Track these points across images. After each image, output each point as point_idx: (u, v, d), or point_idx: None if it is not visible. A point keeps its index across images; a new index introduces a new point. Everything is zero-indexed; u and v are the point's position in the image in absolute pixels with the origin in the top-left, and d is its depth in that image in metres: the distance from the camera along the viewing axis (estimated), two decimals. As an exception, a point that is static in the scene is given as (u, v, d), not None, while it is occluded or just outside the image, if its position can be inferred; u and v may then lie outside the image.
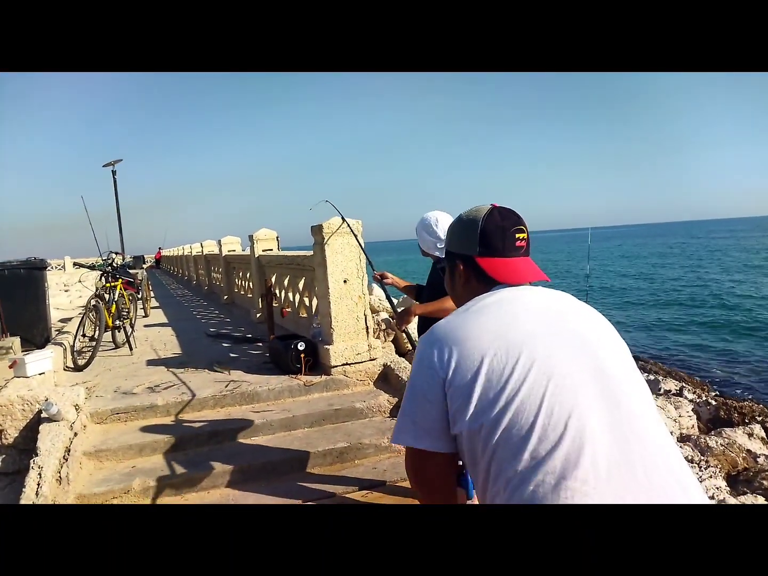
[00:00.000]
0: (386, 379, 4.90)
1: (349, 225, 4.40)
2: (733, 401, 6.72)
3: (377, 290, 14.63)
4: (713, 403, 6.46)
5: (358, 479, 3.69)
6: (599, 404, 0.99)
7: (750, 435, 5.69)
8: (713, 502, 4.07)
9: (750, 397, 8.08)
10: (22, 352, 5.75)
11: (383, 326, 7.90)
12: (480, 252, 1.26)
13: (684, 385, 7.38)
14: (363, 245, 4.54)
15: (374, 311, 10.78)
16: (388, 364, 4.93)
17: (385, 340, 7.67)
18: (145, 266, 36.21)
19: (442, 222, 2.94)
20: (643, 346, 13.54)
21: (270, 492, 3.57)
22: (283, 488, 3.62)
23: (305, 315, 6.22)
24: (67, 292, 20.11)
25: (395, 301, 4.67)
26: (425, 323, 3.07)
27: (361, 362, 4.88)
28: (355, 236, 4.25)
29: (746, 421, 6.10)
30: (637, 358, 9.29)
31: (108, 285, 6.98)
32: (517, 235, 1.26)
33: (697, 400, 6.55)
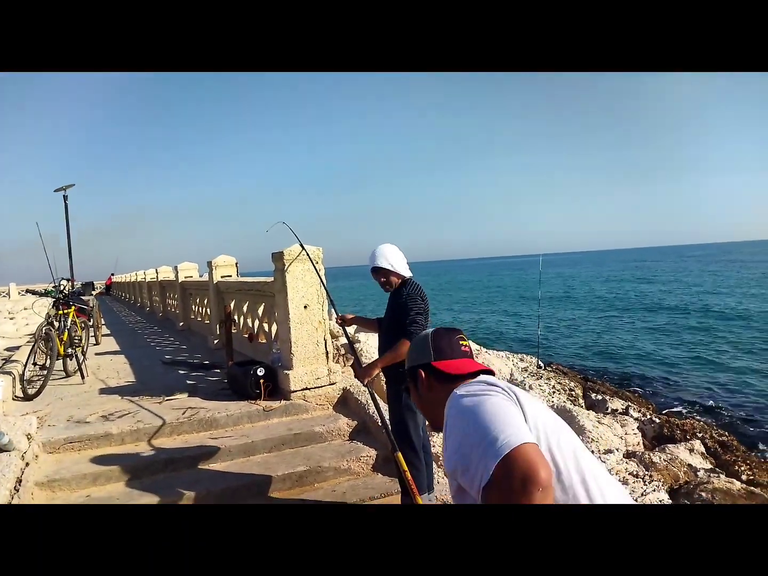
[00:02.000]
0: (346, 403, 4.98)
1: (307, 252, 4.52)
2: (675, 419, 7.08)
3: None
4: (657, 420, 6.80)
5: (318, 502, 3.74)
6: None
7: (691, 450, 6.01)
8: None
9: (691, 414, 8.52)
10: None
11: (343, 351, 7.98)
12: (435, 357, 1.51)
13: (630, 404, 7.73)
14: (322, 272, 4.66)
15: (334, 336, 10.83)
16: (348, 388, 5.02)
17: (345, 365, 7.74)
18: (94, 293, 35.03)
19: (383, 248, 3.41)
20: (596, 369, 14.06)
21: (229, 518, 3.58)
22: (242, 514, 3.63)
23: (264, 340, 6.25)
24: (13, 320, 19.29)
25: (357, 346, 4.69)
26: (391, 369, 3.31)
27: (321, 387, 4.95)
28: (314, 264, 4.36)
29: (687, 437, 6.45)
30: (586, 379, 9.65)
31: (60, 312, 6.82)
32: (461, 342, 1.55)
33: (642, 419, 6.88)
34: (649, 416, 7.05)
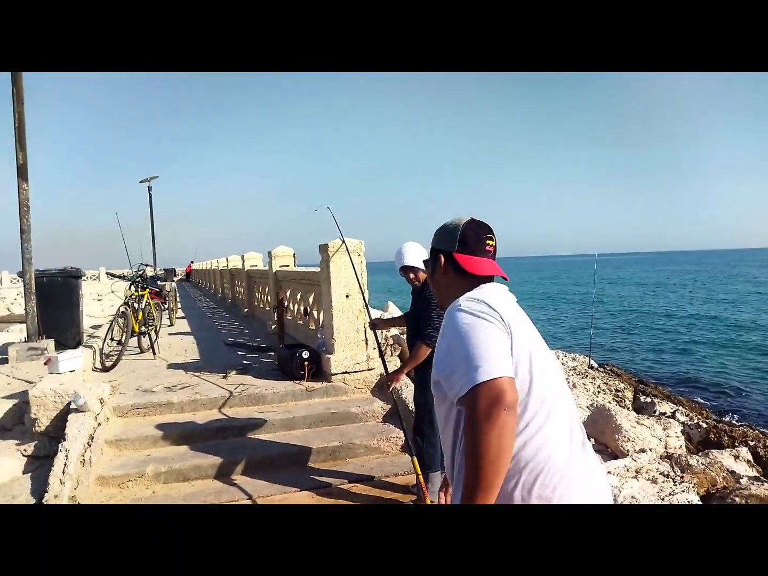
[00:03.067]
0: (382, 388, 5.29)
1: (345, 244, 4.84)
2: (725, 425, 6.87)
3: (392, 307, 15.03)
4: (704, 425, 6.64)
5: (348, 474, 4.08)
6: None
7: (736, 457, 5.87)
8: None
9: (746, 423, 8.18)
10: (56, 352, 6.31)
11: (391, 341, 8.29)
12: (457, 249, 1.56)
13: (679, 408, 7.55)
14: (363, 263, 4.98)
15: (379, 329, 11.19)
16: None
17: (392, 354, 8.05)
18: (176, 279, 37.33)
19: (410, 246, 3.61)
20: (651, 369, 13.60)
21: (268, 481, 3.98)
22: (280, 479, 4.03)
23: (314, 327, 6.67)
24: (100, 301, 21.07)
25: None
26: (417, 371, 3.57)
27: (360, 371, 5.28)
28: (350, 258, 4.67)
29: (735, 444, 6.27)
30: (640, 381, 9.45)
31: (136, 294, 7.56)
32: (487, 241, 1.58)
33: (689, 423, 6.74)
34: (696, 421, 6.89)
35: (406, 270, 3.58)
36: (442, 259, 1.58)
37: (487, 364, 1.24)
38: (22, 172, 6.70)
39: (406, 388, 4.95)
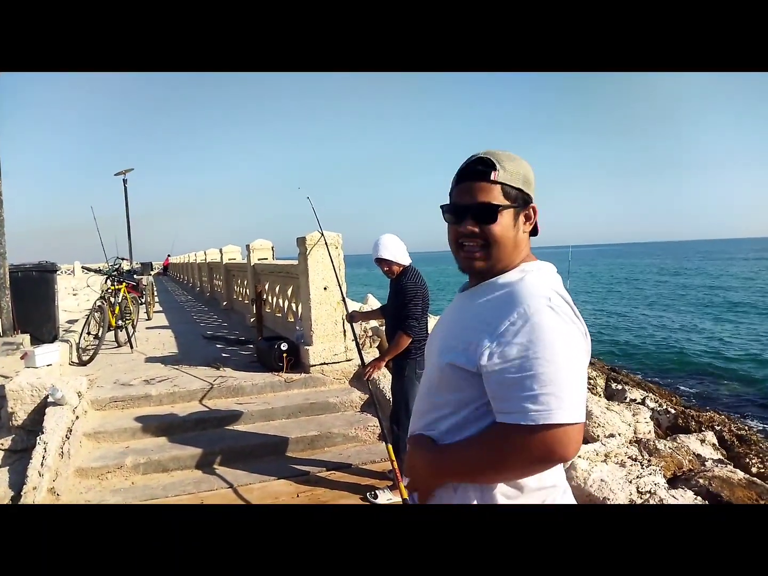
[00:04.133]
0: (360, 378, 5.38)
1: (324, 239, 4.91)
2: (693, 410, 7.13)
3: (371, 299, 15.12)
4: (672, 411, 6.88)
5: (326, 462, 4.16)
6: None
7: (702, 441, 6.10)
8: (646, 497, 4.48)
9: (713, 408, 8.48)
10: (32, 347, 6.26)
11: (370, 333, 8.38)
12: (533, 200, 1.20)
13: (650, 395, 7.79)
14: (341, 256, 5.05)
15: (356, 321, 11.26)
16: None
17: (371, 346, 8.14)
18: (153, 273, 36.88)
19: (384, 239, 3.68)
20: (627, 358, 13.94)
21: (247, 470, 4.05)
22: (258, 468, 4.10)
23: (292, 319, 6.72)
24: (75, 296, 20.72)
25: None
26: (396, 361, 3.70)
27: (338, 362, 5.36)
28: (328, 250, 4.74)
29: (702, 428, 6.52)
30: (612, 369, 9.69)
31: (113, 288, 7.51)
32: None
33: (658, 409, 6.97)
34: (665, 407, 7.13)
35: (381, 262, 3.67)
36: (533, 210, 1.20)
37: (577, 404, 1.02)
38: (-7, 165, 6.59)
39: (383, 378, 5.04)
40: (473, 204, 1.14)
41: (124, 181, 24.23)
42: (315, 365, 5.31)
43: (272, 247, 8.64)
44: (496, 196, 1.13)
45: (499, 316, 1.07)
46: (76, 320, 10.37)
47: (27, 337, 6.93)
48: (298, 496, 3.65)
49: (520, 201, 1.16)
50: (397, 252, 3.65)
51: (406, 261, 3.68)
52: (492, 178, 1.13)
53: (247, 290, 9.65)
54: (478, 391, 1.10)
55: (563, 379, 1.01)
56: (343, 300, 4.34)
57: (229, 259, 11.55)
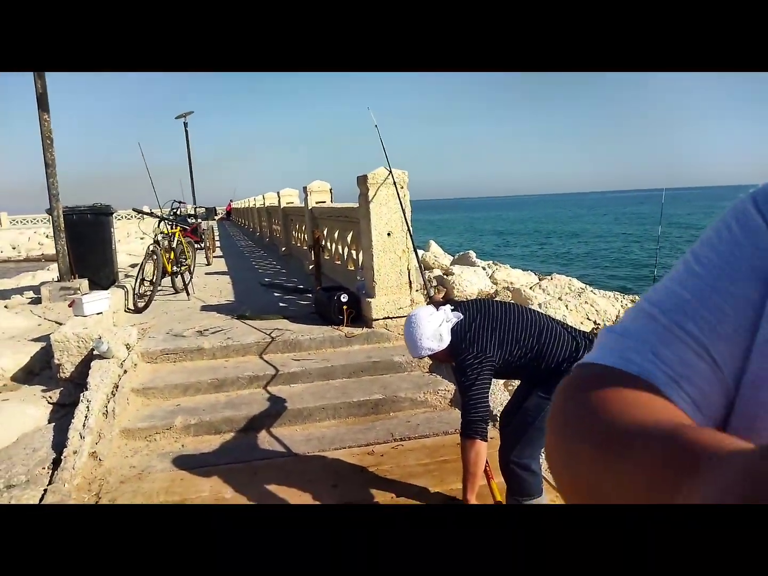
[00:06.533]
0: (428, 335, 4.83)
1: (393, 176, 4.26)
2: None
3: (434, 246, 14.43)
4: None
5: (392, 430, 3.69)
6: None
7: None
8: None
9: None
10: (89, 291, 6.08)
11: (434, 283, 7.79)
12: None
13: None
14: (407, 197, 4.40)
15: (428, 267, 10.66)
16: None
17: (434, 295, 7.57)
18: (216, 218, 37.43)
19: (424, 314, 2.44)
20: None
21: (303, 437, 3.64)
22: (318, 434, 3.69)
23: (353, 268, 6.20)
24: (142, 240, 21.17)
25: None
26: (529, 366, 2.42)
27: (403, 317, 4.80)
28: (397, 189, 4.10)
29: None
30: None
31: (166, 232, 7.22)
32: None
33: None
34: None
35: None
36: None
37: None
38: (41, 102, 6.26)
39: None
40: None
41: (185, 124, 24.16)
42: (378, 319, 4.79)
43: (330, 189, 8.07)
44: None
45: None
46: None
47: (85, 282, 6.78)
48: (362, 471, 3.20)
49: None
50: (432, 342, 2.41)
51: (445, 341, 2.41)
52: None
53: (305, 236, 9.21)
54: None
55: None
56: (414, 249, 3.72)
57: (287, 203, 11.11)
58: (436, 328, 2.39)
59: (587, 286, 9.22)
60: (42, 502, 2.85)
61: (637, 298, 8.98)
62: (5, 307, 6.38)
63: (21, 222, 38.03)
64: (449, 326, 2.40)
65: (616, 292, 9.38)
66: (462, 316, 2.42)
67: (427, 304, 2.98)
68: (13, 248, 34.90)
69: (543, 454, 3.03)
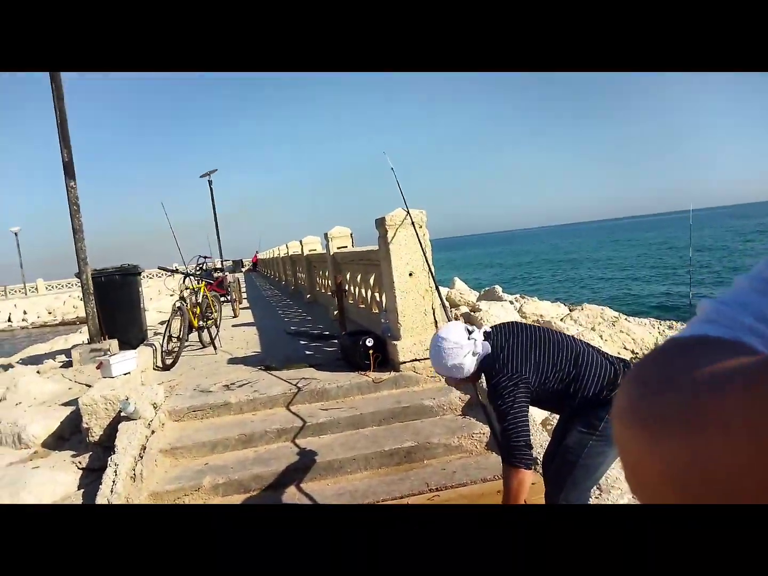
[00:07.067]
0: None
1: (410, 216, 4.22)
2: None
3: (459, 283, 14.31)
4: None
5: (427, 479, 3.52)
6: None
7: None
8: None
9: None
10: (118, 353, 6.12)
11: (462, 320, 7.64)
12: None
13: None
14: (426, 236, 4.35)
15: (454, 305, 10.52)
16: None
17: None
18: (243, 269, 38.08)
19: (450, 342, 2.25)
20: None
21: (335, 492, 3.50)
22: (348, 487, 3.54)
23: (377, 311, 6.13)
24: (172, 296, 21.62)
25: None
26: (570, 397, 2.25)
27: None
28: (415, 230, 4.06)
29: None
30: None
31: (191, 288, 7.29)
32: None
33: None
34: None
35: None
36: None
37: None
38: (68, 170, 6.50)
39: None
40: None
41: (210, 182, 24.89)
42: (405, 362, 4.67)
43: (351, 234, 8.10)
44: None
45: None
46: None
47: (115, 342, 6.84)
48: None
49: None
50: (463, 362, 2.24)
51: (467, 371, 2.26)
52: None
53: (329, 281, 9.22)
54: None
55: None
56: (436, 287, 3.64)
57: (310, 251, 11.21)
58: (461, 360, 2.24)
59: (620, 314, 8.94)
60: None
61: (675, 323, 8.66)
62: (38, 372, 6.45)
63: (56, 287, 39.33)
64: (475, 360, 2.27)
65: (652, 319, 9.08)
66: (490, 350, 2.29)
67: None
68: (49, 313, 35.98)
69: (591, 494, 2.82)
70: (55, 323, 33.66)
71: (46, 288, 39.32)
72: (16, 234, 43.72)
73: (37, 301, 37.50)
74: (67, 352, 7.31)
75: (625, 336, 7.21)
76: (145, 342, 7.05)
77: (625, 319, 8.52)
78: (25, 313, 36.56)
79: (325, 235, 8.12)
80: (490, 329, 2.37)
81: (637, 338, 7.48)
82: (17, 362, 8.01)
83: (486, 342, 2.29)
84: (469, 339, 2.27)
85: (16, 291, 39.36)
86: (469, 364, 2.25)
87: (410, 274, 4.62)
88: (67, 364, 6.79)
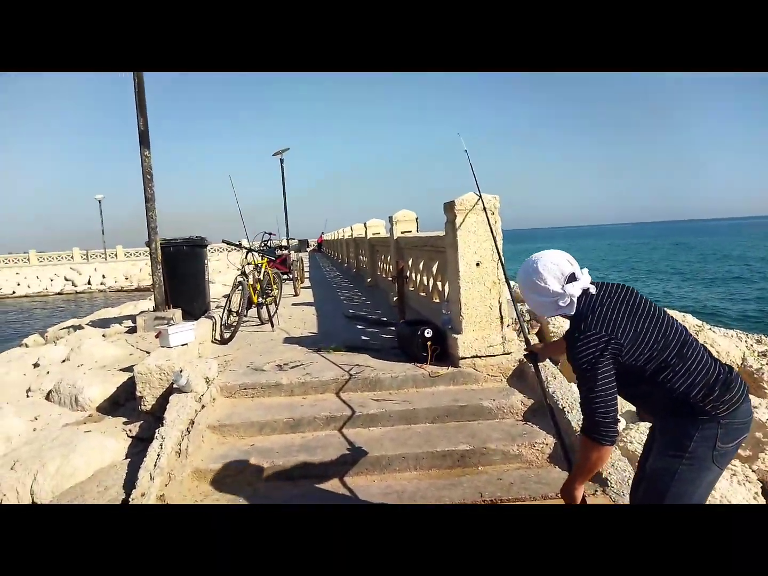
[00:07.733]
0: (522, 377, 4.34)
1: (482, 201, 3.90)
2: None
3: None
4: None
5: (480, 488, 3.25)
6: None
7: None
8: None
9: None
10: (182, 322, 6.17)
11: (527, 317, 7.23)
12: None
13: None
14: (498, 224, 4.02)
15: (520, 300, 10.04)
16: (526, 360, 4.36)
17: (529, 333, 7.00)
18: (309, 249, 38.63)
19: (548, 270, 1.97)
20: None
21: (381, 490, 3.30)
22: (395, 487, 3.33)
23: (437, 300, 5.85)
24: (239, 271, 22.17)
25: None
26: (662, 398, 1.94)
27: (494, 356, 4.37)
28: (487, 217, 3.73)
29: None
30: None
31: (253, 263, 7.28)
32: None
33: None
34: None
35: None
36: None
37: None
38: (143, 139, 6.58)
39: (555, 378, 3.98)
40: None
41: (281, 160, 25.21)
42: (465, 358, 4.38)
43: (416, 219, 7.83)
44: None
45: None
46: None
47: (178, 312, 6.94)
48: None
49: None
50: (552, 288, 1.96)
51: (575, 290, 1.95)
52: None
53: (390, 266, 9.01)
54: None
55: None
56: (506, 280, 3.32)
57: (374, 234, 11.03)
58: (554, 286, 1.93)
59: (704, 323, 8.22)
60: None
61: (764, 337, 7.86)
62: (103, 336, 6.64)
63: (134, 254, 41.42)
64: (567, 297, 1.94)
65: (739, 331, 8.29)
66: (589, 299, 1.96)
67: (530, 359, 2.55)
68: (126, 278, 37.96)
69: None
70: (131, 288, 35.54)
71: (125, 255, 41.52)
72: (99, 201, 46.35)
73: (115, 267, 39.70)
74: (133, 318, 7.49)
75: (709, 348, 6.57)
76: (206, 314, 7.11)
77: (710, 328, 7.80)
78: (103, 277, 38.83)
79: (390, 218, 7.89)
80: (596, 283, 2.04)
81: (722, 351, 6.81)
82: (87, 324, 8.31)
83: (591, 285, 1.97)
84: (572, 266, 1.98)
85: (97, 256, 41.82)
86: (559, 297, 1.94)
87: (477, 264, 4.30)
88: (132, 330, 6.96)
